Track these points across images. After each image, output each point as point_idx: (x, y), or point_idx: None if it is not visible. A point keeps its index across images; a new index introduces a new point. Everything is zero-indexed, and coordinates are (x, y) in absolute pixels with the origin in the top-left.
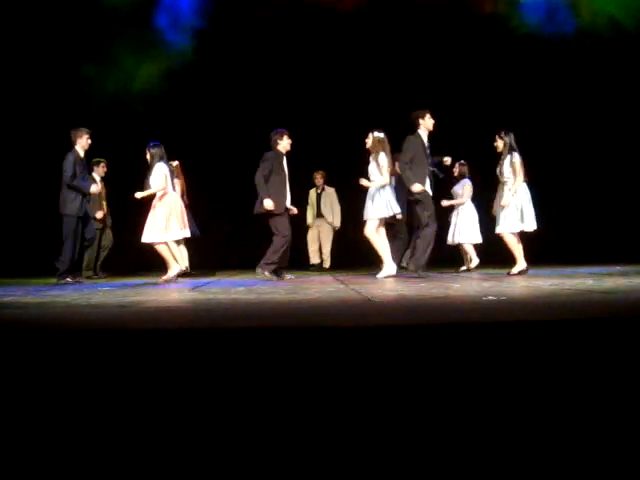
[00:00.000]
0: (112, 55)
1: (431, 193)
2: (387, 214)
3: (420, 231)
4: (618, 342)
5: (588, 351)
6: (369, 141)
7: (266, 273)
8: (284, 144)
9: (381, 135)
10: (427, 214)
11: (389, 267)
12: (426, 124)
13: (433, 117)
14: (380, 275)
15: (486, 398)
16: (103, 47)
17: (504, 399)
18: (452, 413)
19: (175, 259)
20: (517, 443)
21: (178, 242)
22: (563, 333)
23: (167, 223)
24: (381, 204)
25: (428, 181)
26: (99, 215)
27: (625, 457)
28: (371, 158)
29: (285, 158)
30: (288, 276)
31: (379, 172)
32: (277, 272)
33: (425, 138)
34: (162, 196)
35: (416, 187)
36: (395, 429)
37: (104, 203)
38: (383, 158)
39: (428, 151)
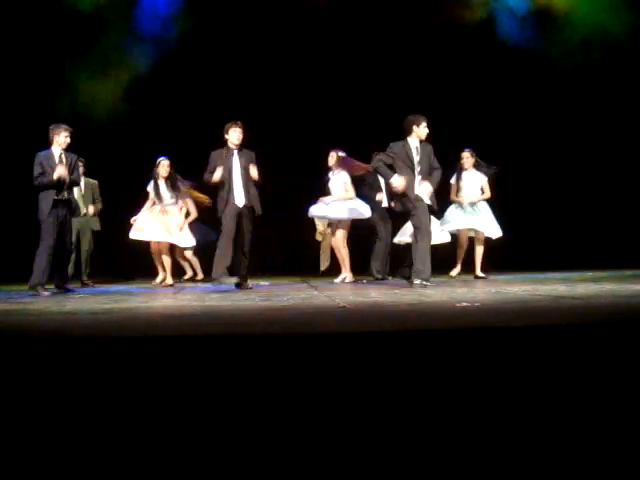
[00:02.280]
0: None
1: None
2: (359, 216)
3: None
4: (586, 348)
5: (556, 357)
6: (332, 159)
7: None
8: (230, 138)
9: (342, 154)
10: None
11: (347, 275)
12: (419, 133)
13: (429, 126)
14: (338, 280)
15: (458, 404)
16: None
17: (477, 405)
18: (430, 419)
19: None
20: (496, 449)
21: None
22: (533, 339)
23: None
24: (351, 210)
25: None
26: (90, 210)
27: (602, 459)
28: (332, 175)
29: (236, 152)
30: (265, 283)
31: (343, 188)
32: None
33: (415, 146)
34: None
35: (395, 180)
36: (376, 437)
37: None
38: (345, 175)
39: (417, 159)
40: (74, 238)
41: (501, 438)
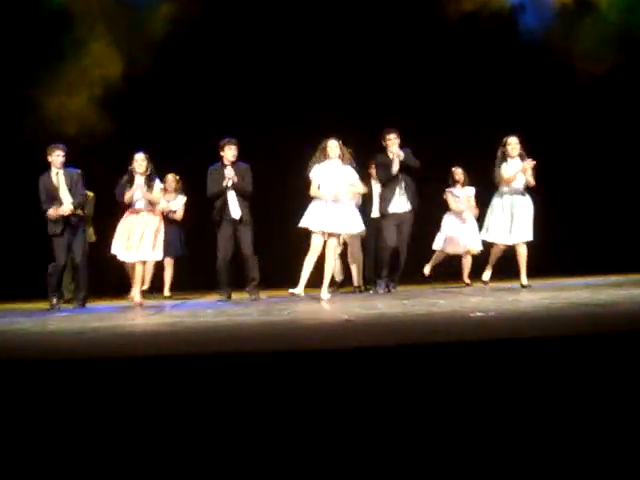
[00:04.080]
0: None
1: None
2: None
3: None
4: (608, 359)
5: (576, 370)
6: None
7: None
8: (226, 155)
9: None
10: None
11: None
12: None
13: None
14: (324, 295)
15: (472, 420)
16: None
17: (491, 420)
18: (440, 437)
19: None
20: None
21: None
22: (551, 350)
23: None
24: (358, 218)
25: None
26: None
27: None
28: (343, 165)
29: (229, 167)
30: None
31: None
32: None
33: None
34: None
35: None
36: (386, 462)
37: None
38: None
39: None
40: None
41: (517, 456)
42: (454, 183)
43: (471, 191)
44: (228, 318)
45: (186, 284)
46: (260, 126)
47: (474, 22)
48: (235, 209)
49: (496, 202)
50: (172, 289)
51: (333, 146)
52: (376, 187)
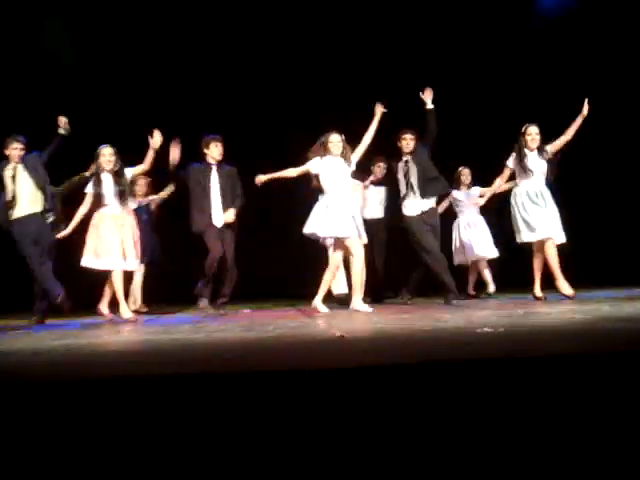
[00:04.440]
0: None
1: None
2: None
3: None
4: (627, 380)
5: (599, 392)
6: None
7: (200, 303)
8: (212, 153)
9: None
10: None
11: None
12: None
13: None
14: (321, 308)
15: (478, 447)
16: None
17: (500, 448)
18: (440, 465)
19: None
20: None
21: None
22: (569, 370)
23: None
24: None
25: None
26: None
27: None
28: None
29: (215, 168)
30: (246, 310)
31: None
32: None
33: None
34: None
35: None
36: None
37: None
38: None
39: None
40: None
41: None
42: (458, 185)
43: (476, 192)
44: (207, 335)
45: (157, 295)
46: (255, 122)
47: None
48: (219, 217)
49: (518, 199)
50: (144, 301)
51: (336, 141)
52: (373, 188)
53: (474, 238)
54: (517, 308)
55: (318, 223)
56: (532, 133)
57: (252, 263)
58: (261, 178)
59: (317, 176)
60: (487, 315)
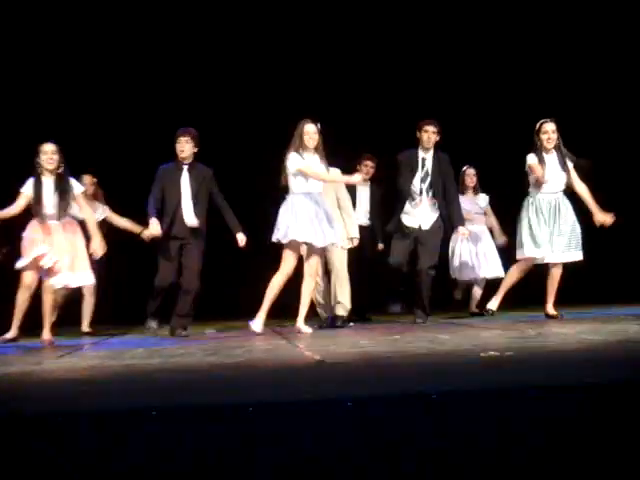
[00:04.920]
0: None
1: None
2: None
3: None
4: None
5: (627, 428)
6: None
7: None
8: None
9: None
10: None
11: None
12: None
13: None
14: (304, 329)
15: None
16: None
17: None
18: None
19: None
20: None
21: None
22: (591, 402)
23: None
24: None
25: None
26: None
27: None
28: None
29: (186, 169)
30: (210, 330)
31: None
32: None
33: (422, 155)
34: None
35: None
36: None
37: None
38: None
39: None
40: None
41: None
42: (463, 189)
43: (484, 200)
44: (164, 360)
45: (106, 316)
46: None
47: None
48: (190, 215)
49: (530, 210)
50: (92, 323)
51: (311, 132)
52: (362, 189)
53: (477, 255)
54: (528, 328)
55: (282, 226)
56: (548, 131)
57: (221, 277)
58: None
59: (291, 173)
60: (493, 336)
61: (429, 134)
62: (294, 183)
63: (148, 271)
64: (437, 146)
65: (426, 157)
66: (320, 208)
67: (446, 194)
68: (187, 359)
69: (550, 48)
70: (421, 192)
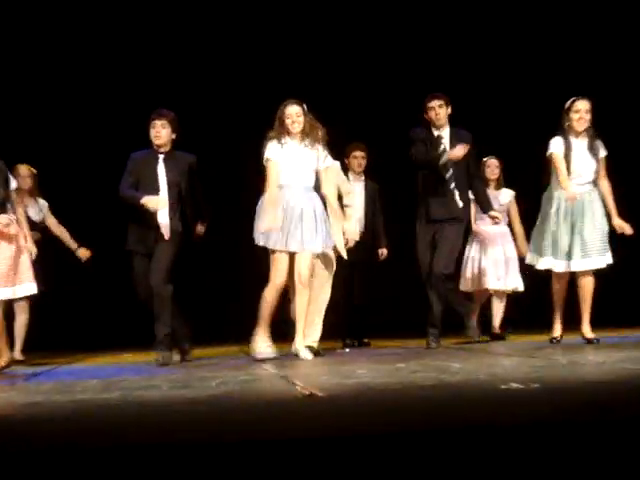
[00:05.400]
0: None
1: None
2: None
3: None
4: None
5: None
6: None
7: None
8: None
9: None
10: None
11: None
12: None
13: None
14: (304, 354)
15: None
16: None
17: None
18: None
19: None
20: None
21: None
22: (627, 445)
23: None
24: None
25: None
26: None
27: None
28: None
29: (162, 158)
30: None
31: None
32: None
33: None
34: None
35: None
36: None
37: None
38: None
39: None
40: None
41: None
42: (484, 182)
43: (507, 196)
44: (123, 394)
45: (44, 340)
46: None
47: None
48: (164, 214)
49: (550, 207)
50: (25, 349)
51: (294, 115)
52: (355, 185)
53: (497, 261)
54: (557, 354)
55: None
56: (581, 110)
57: (192, 292)
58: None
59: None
60: (515, 364)
61: (435, 110)
62: (271, 177)
63: (104, 284)
64: (452, 122)
65: (442, 134)
66: (307, 206)
67: (468, 178)
68: (151, 393)
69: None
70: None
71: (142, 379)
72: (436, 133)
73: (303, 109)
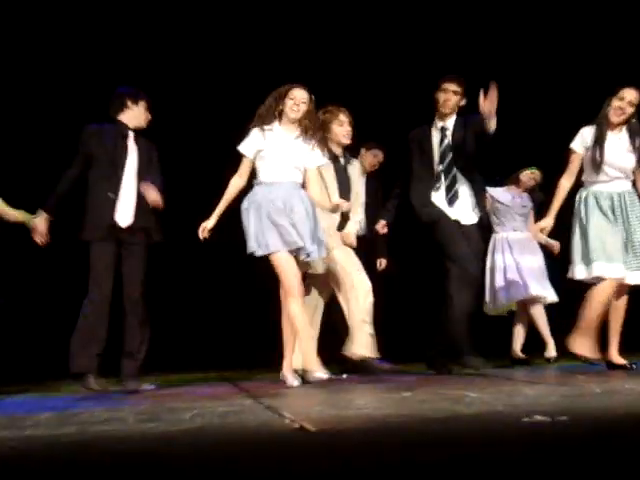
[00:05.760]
0: None
1: None
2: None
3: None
4: None
5: None
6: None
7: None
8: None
9: None
10: None
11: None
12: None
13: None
14: (290, 380)
15: None
16: None
17: None
18: None
19: None
20: None
21: None
22: None
23: None
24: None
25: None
26: None
27: None
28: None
29: (133, 137)
30: (147, 386)
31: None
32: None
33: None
34: None
35: None
36: None
37: None
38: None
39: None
40: None
41: None
42: (512, 183)
43: (531, 200)
44: (81, 428)
45: None
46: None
47: None
48: (126, 213)
49: (587, 208)
50: None
51: (299, 99)
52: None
53: (523, 269)
54: (589, 382)
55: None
56: (625, 98)
57: (172, 306)
58: (207, 226)
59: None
60: (540, 394)
61: (447, 94)
62: (258, 168)
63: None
64: (462, 114)
65: (447, 125)
66: (295, 205)
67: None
68: (114, 427)
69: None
70: (440, 175)
71: (104, 411)
72: (440, 124)
73: (311, 98)
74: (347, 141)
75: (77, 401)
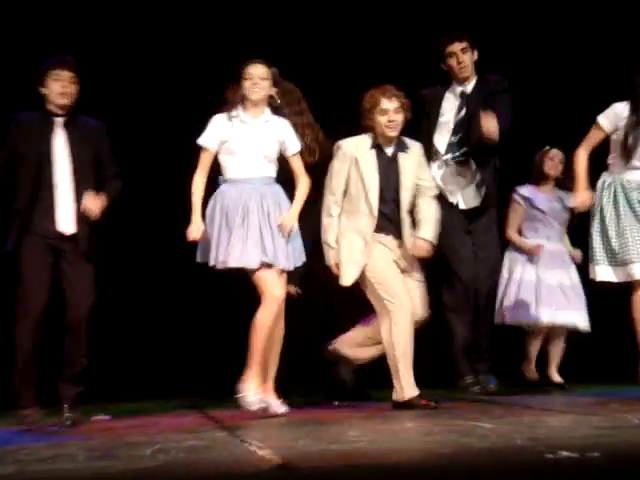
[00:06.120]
0: None
1: None
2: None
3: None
4: None
5: None
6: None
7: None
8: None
9: None
10: None
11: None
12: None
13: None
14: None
15: None
16: None
17: None
18: None
19: None
20: None
21: None
22: None
23: None
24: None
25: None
26: None
27: None
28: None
29: (61, 123)
30: (99, 416)
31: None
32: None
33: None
34: None
35: None
36: None
37: None
38: None
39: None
40: None
41: None
42: (539, 177)
43: (569, 198)
44: (22, 469)
45: None
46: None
47: None
48: (66, 216)
49: (612, 197)
50: None
51: (257, 77)
52: None
53: (544, 288)
54: (625, 411)
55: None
56: None
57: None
58: (194, 231)
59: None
60: (566, 425)
61: (457, 56)
62: (223, 164)
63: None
64: (480, 71)
65: (467, 89)
66: (266, 207)
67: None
68: (60, 465)
69: None
70: (451, 149)
71: (49, 446)
72: (459, 89)
73: (271, 73)
74: (392, 133)
75: (15, 436)
